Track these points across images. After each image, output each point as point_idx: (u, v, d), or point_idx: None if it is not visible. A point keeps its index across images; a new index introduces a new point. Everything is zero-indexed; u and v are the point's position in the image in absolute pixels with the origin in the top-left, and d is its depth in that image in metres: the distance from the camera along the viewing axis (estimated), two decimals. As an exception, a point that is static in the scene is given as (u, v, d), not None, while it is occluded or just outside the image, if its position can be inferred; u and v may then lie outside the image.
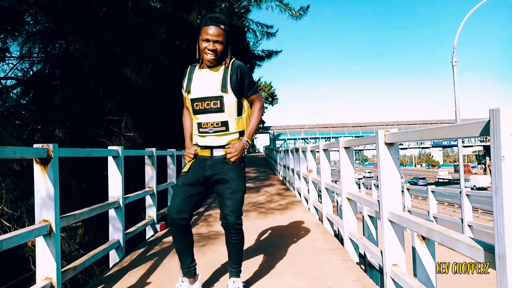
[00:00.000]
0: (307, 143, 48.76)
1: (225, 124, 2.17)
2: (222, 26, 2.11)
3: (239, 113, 2.22)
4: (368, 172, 68.84)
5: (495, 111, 1.30)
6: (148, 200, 4.79)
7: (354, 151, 3.88)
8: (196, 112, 2.21)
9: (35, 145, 2.24)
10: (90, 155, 3.17)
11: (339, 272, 2.83)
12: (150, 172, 4.82)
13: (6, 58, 6.24)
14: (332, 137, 55.99)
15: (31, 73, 6.71)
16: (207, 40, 2.10)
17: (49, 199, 2.27)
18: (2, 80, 6.37)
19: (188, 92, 2.23)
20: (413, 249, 2.37)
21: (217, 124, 2.17)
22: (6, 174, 5.34)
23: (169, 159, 6.06)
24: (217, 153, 2.23)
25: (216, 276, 2.79)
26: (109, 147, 3.67)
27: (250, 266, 3.01)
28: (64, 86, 6.64)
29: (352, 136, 48.38)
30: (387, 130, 2.45)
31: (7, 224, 5.11)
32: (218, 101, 2.15)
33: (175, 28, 8.21)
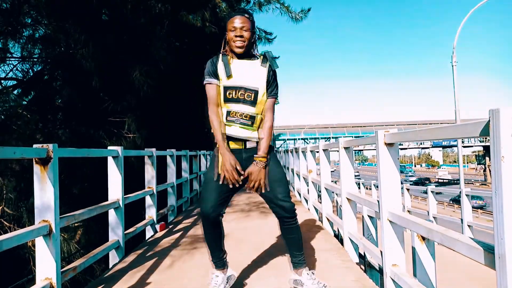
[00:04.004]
0: (307, 143, 48.76)
1: (252, 118, 2.16)
2: (246, 15, 2.15)
3: (262, 111, 2.21)
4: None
5: (495, 111, 1.30)
6: (148, 200, 4.79)
7: (354, 151, 3.88)
8: (227, 100, 2.16)
9: (35, 145, 2.24)
10: (90, 155, 3.17)
11: (339, 272, 2.83)
12: (150, 172, 4.82)
13: (7, 59, 6.23)
14: (332, 138, 56.03)
15: (31, 74, 6.71)
16: (234, 29, 2.12)
17: (49, 199, 2.27)
18: (2, 81, 6.37)
19: (229, 76, 2.15)
20: (413, 249, 2.37)
21: (245, 116, 2.15)
22: (6, 174, 5.33)
23: (169, 159, 6.05)
24: (250, 144, 2.20)
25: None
26: (109, 147, 3.67)
27: (251, 265, 3.01)
28: (65, 87, 6.64)
29: (352, 136, 48.43)
30: (387, 130, 2.45)
31: (8, 224, 5.11)
32: (253, 94, 2.14)
33: (176, 29, 8.21)
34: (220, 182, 2.15)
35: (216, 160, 2.20)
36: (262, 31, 12.94)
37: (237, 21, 2.12)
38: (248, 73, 2.17)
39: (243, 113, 2.15)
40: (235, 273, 2.44)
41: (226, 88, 2.16)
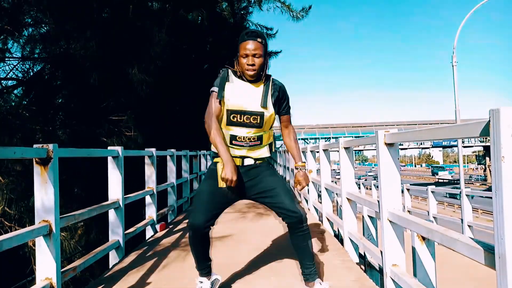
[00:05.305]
0: (307, 143, 48.75)
1: (260, 138, 2.20)
2: (259, 40, 2.09)
3: (270, 127, 2.27)
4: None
5: (495, 111, 1.30)
6: (148, 201, 4.79)
7: (354, 152, 3.88)
8: (232, 123, 2.16)
9: (35, 145, 2.24)
10: (90, 156, 3.17)
11: (339, 272, 2.83)
12: (149, 172, 4.82)
13: (7, 59, 6.23)
14: (332, 138, 56.00)
15: (31, 73, 6.71)
16: (246, 55, 2.08)
17: (49, 199, 2.27)
18: (2, 81, 6.37)
19: (225, 99, 2.15)
20: (413, 249, 2.37)
21: (253, 138, 2.18)
22: (7, 174, 5.33)
23: (169, 159, 6.05)
24: (248, 161, 2.22)
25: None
26: (109, 148, 3.67)
27: (251, 265, 3.01)
28: (65, 86, 6.64)
29: (352, 137, 48.39)
30: (387, 130, 2.45)
31: (9, 224, 5.11)
32: (259, 117, 2.15)
33: (176, 28, 8.20)
34: (219, 186, 2.11)
35: (215, 173, 2.16)
36: (263, 27, 12.93)
37: (250, 47, 2.06)
38: (253, 97, 2.16)
39: (251, 137, 2.17)
40: (219, 276, 2.41)
41: (231, 112, 2.14)
